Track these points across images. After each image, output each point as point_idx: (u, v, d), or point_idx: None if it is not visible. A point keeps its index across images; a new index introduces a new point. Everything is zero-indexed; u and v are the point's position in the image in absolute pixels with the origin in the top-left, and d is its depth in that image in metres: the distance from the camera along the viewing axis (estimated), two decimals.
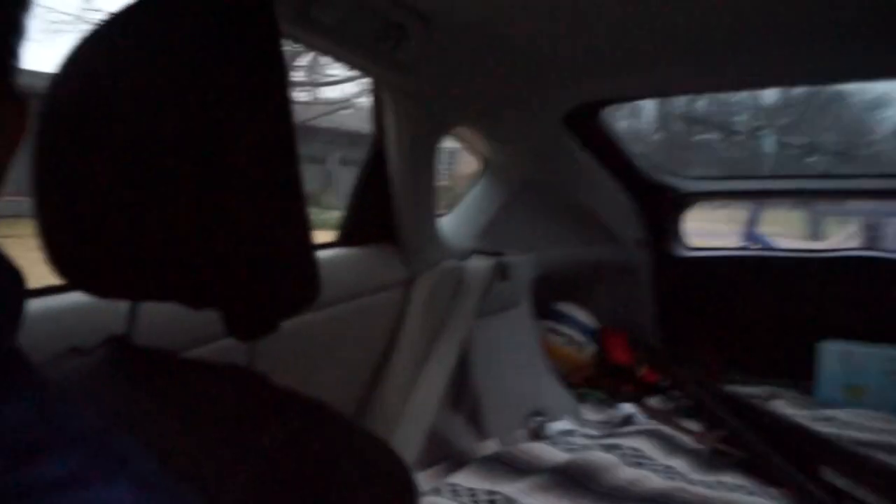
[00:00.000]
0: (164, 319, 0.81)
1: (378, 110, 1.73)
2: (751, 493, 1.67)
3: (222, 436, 0.54)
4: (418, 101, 1.64)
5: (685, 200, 2.75)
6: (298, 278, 0.61)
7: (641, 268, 2.76)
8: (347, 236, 1.83)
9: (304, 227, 0.60)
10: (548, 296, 2.56)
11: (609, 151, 2.52)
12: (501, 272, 2.12)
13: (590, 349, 2.59)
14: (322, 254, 1.72)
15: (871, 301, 2.48)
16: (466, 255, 2.07)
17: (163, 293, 0.59)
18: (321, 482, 0.57)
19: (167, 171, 0.53)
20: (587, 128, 2.32)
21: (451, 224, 2.19)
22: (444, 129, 1.85)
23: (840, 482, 1.65)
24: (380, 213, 1.84)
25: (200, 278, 0.57)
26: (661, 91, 2.58)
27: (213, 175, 0.53)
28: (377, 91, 1.69)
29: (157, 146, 0.53)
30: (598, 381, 2.51)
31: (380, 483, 0.64)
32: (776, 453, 1.80)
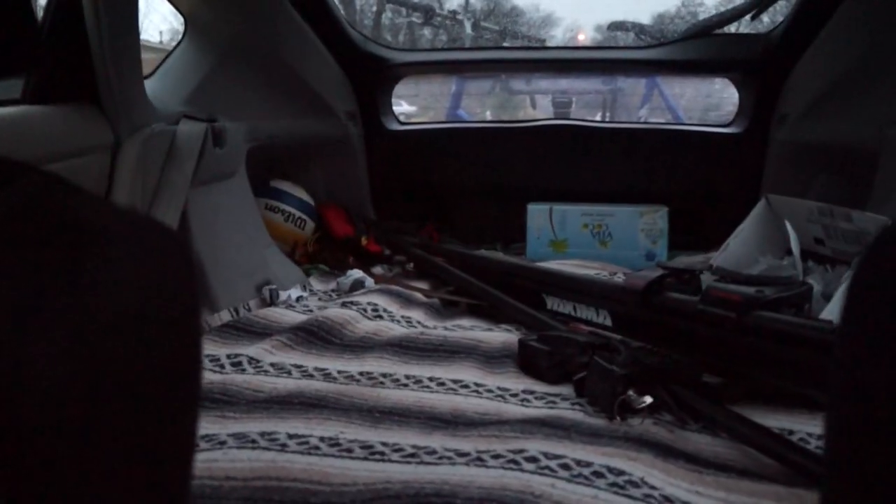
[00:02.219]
0: None
1: None
2: (488, 329, 1.82)
3: None
4: None
5: (395, 72, 2.82)
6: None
7: (354, 142, 2.79)
8: (37, 91, 1.60)
9: None
10: (263, 173, 2.50)
11: (321, 16, 2.48)
12: (215, 138, 2.02)
13: (310, 225, 2.59)
14: (8, 111, 1.50)
15: (567, 164, 2.78)
16: (176, 118, 1.93)
17: None
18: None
19: None
20: None
21: (157, 86, 2.03)
22: None
23: (562, 307, 1.86)
24: (76, 67, 1.63)
25: None
26: None
27: None
28: None
29: None
30: (321, 257, 2.53)
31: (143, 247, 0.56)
32: (503, 295, 1.97)
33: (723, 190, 2.66)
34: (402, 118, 3.00)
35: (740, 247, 1.81)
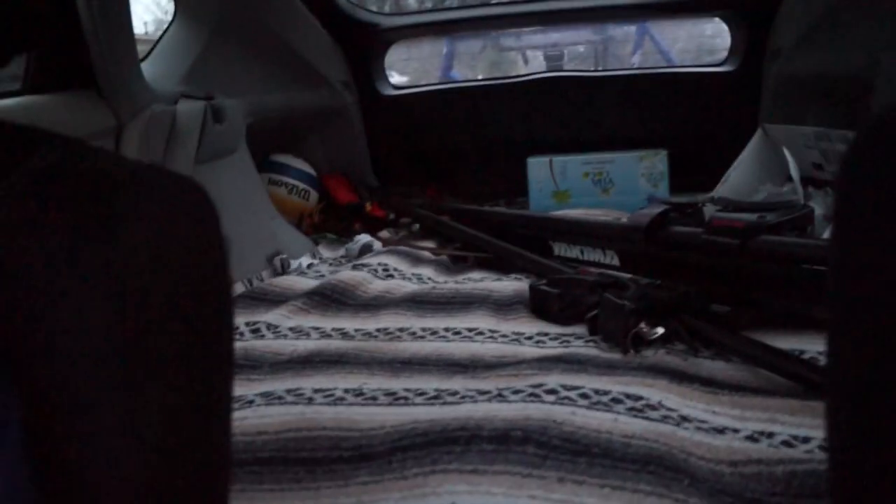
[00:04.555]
0: None
1: None
2: (497, 280, 1.86)
3: None
4: None
5: (386, 37, 2.82)
6: None
7: (351, 110, 2.81)
8: (36, 81, 1.63)
9: None
10: (263, 149, 2.52)
11: None
12: (214, 115, 2.04)
13: (314, 196, 2.62)
14: (9, 103, 1.53)
15: (564, 115, 2.79)
16: (174, 99, 1.95)
17: None
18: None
19: None
20: None
21: (152, 69, 2.05)
22: None
23: (570, 252, 1.89)
24: (71, 53, 1.65)
25: None
26: None
27: None
28: None
29: None
30: (327, 226, 2.57)
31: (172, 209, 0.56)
32: (512, 246, 2.00)
33: (720, 129, 2.66)
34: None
35: (740, 177, 1.83)
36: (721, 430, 1.04)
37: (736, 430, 1.04)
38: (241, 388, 1.31)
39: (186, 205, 0.57)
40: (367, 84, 2.83)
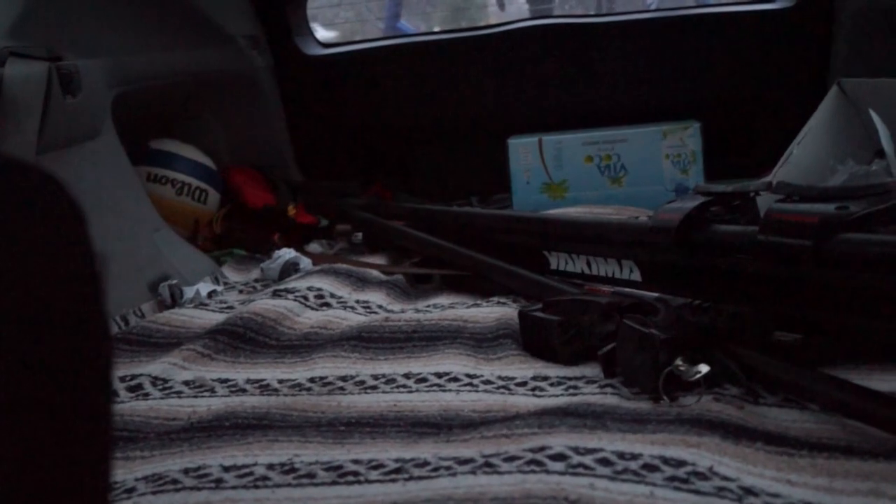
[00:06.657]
0: None
1: None
2: (474, 305, 1.85)
3: None
4: None
5: None
6: None
7: (262, 77, 2.79)
8: None
9: None
10: (139, 132, 2.48)
11: None
12: (64, 82, 2.01)
13: (213, 197, 2.61)
14: None
15: (557, 79, 2.80)
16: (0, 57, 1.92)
17: None
18: None
19: None
20: None
21: None
22: None
23: (572, 265, 1.88)
24: None
25: None
26: None
27: None
28: None
29: None
30: (234, 238, 2.55)
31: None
32: (492, 259, 1.99)
33: (776, 88, 2.68)
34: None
35: (808, 153, 1.82)
36: None
37: None
38: (118, 469, 1.28)
39: (36, 205, 0.55)
40: (284, 40, 2.82)
